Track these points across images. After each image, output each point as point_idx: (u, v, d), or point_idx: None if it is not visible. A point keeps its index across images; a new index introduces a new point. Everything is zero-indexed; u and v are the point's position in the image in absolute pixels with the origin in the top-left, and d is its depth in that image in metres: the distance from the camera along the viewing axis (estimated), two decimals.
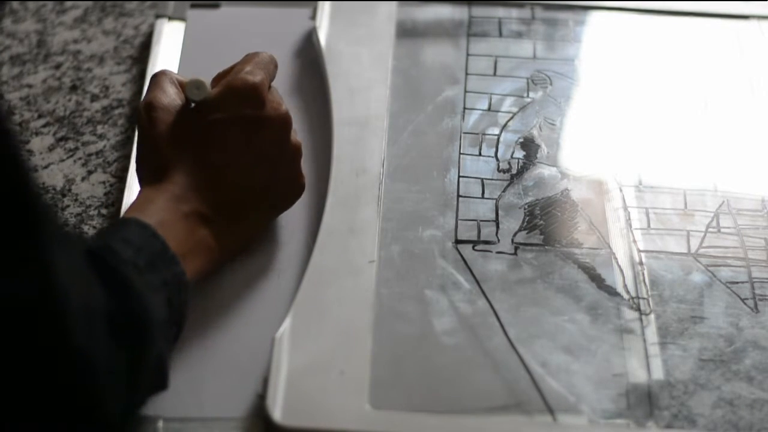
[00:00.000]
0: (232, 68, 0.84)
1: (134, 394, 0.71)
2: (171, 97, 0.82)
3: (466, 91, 0.96)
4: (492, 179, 0.90)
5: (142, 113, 0.81)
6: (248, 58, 0.83)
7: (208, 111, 0.81)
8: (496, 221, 0.87)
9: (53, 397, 0.64)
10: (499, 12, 1.03)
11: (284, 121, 0.82)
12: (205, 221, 0.79)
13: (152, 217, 0.76)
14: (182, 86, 0.83)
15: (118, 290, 0.69)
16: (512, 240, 0.86)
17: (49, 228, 0.63)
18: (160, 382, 0.74)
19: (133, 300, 0.70)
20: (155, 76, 0.83)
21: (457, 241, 0.85)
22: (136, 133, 0.83)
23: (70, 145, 0.94)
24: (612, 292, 0.83)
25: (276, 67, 0.85)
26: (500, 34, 1.02)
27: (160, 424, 0.75)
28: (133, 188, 0.87)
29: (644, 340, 0.80)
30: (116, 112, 0.96)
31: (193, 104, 0.82)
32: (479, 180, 0.90)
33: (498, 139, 0.93)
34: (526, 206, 0.88)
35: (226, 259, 0.82)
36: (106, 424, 0.67)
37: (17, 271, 0.62)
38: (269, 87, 0.83)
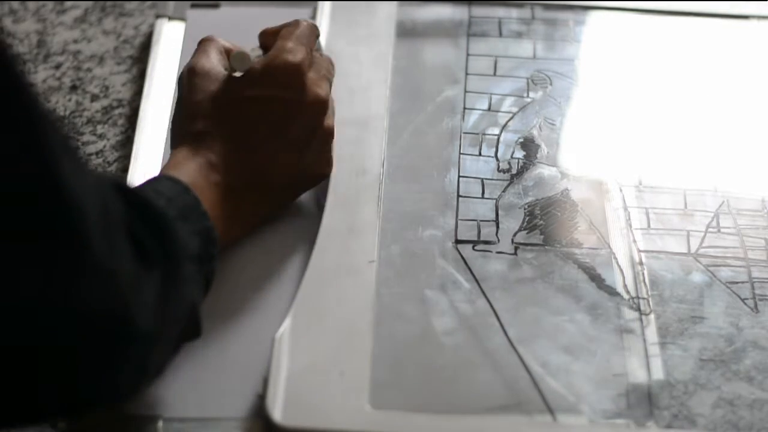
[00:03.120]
0: (279, 29, 0.84)
1: (169, 324, 0.69)
2: (214, 64, 0.83)
3: (466, 91, 0.96)
4: (492, 179, 0.90)
5: (184, 78, 0.82)
6: (290, 30, 0.83)
7: (247, 86, 0.81)
8: (496, 221, 0.87)
9: (71, 306, 0.63)
10: (499, 12, 1.03)
11: (321, 107, 0.83)
12: (231, 194, 0.80)
13: (185, 178, 0.77)
14: (228, 55, 0.84)
15: (148, 217, 0.69)
16: (512, 240, 0.86)
17: (52, 137, 0.62)
18: (193, 329, 0.73)
19: (164, 229, 0.70)
20: (202, 42, 0.84)
21: (457, 241, 0.85)
22: (175, 97, 0.84)
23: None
24: (612, 292, 0.83)
25: (318, 35, 0.85)
26: (500, 34, 1.02)
27: (160, 424, 0.75)
28: None
29: (644, 340, 0.80)
30: (116, 112, 0.96)
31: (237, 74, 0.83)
32: (479, 180, 0.90)
33: (498, 139, 0.93)
34: (526, 206, 0.88)
35: (244, 235, 0.83)
36: (137, 336, 0.65)
37: (22, 171, 0.61)
38: (311, 61, 0.83)
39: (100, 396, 0.67)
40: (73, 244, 0.62)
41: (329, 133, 0.84)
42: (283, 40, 0.83)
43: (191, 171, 0.78)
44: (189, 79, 0.82)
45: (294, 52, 0.81)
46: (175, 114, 0.84)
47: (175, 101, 0.84)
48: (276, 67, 0.81)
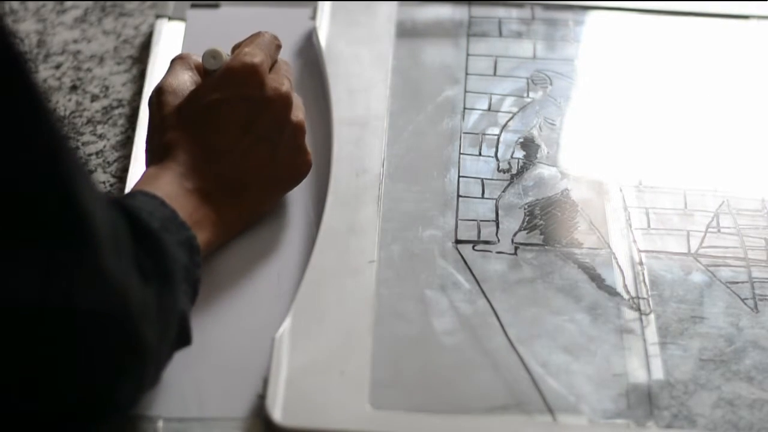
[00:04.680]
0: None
1: (165, 339, 0.71)
2: (182, 80, 0.84)
3: (466, 91, 0.96)
4: (492, 179, 0.90)
5: (153, 97, 0.83)
6: (251, 39, 0.85)
7: (209, 92, 0.82)
8: (496, 221, 0.87)
9: (81, 325, 0.64)
10: (499, 12, 1.03)
11: (284, 102, 0.83)
12: (208, 199, 0.80)
13: (159, 191, 0.77)
14: (200, 67, 0.85)
15: (142, 235, 0.70)
16: (512, 240, 0.86)
17: (68, 155, 0.64)
18: (183, 337, 0.74)
19: (156, 245, 0.71)
20: (173, 61, 0.86)
21: (457, 241, 0.86)
22: (148, 119, 0.85)
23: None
24: (612, 292, 0.83)
25: (279, 47, 0.86)
26: (500, 34, 1.02)
27: (160, 424, 0.75)
28: None
29: (644, 340, 0.80)
30: (116, 112, 0.96)
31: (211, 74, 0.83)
32: (479, 180, 0.90)
33: (498, 139, 0.93)
34: (526, 206, 0.88)
35: (228, 238, 0.83)
36: (141, 353, 0.67)
37: (40, 195, 0.62)
38: (272, 66, 0.84)
39: (99, 411, 0.68)
40: (88, 261, 0.64)
41: (299, 128, 0.84)
42: (243, 47, 0.84)
43: (164, 184, 0.78)
44: (157, 98, 0.83)
45: (252, 54, 0.82)
46: (147, 133, 0.84)
47: (148, 122, 0.84)
48: (234, 68, 0.82)
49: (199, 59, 0.85)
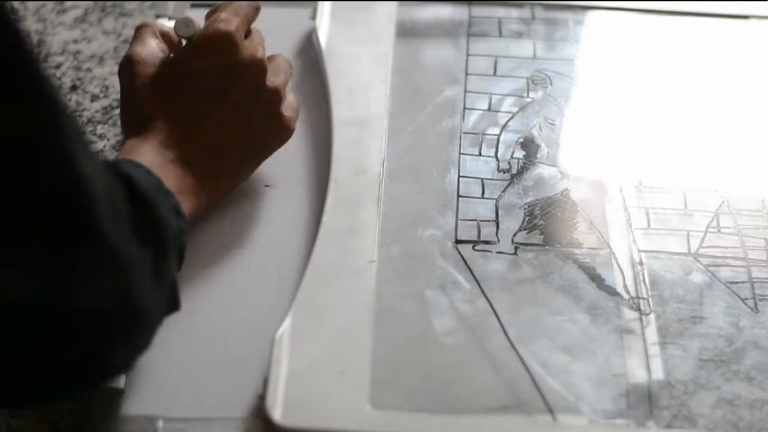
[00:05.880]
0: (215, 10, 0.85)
1: (160, 302, 0.71)
2: (151, 48, 0.84)
3: (466, 91, 0.96)
4: (492, 179, 0.90)
5: (124, 68, 0.83)
6: (227, 4, 0.84)
7: (183, 61, 0.82)
8: (496, 221, 0.87)
9: (82, 288, 0.64)
10: (499, 12, 1.03)
11: (259, 67, 0.83)
12: (189, 168, 0.81)
13: (143, 160, 0.77)
14: (166, 35, 0.85)
15: (137, 199, 0.71)
16: (512, 240, 0.86)
17: (67, 122, 0.64)
18: (173, 303, 0.74)
19: (151, 209, 0.71)
20: (138, 29, 0.85)
21: (457, 241, 0.86)
22: (120, 90, 0.84)
23: None
24: (612, 292, 0.83)
25: (257, 9, 0.86)
26: (500, 34, 1.02)
27: (160, 424, 0.75)
28: None
29: (644, 340, 0.80)
30: (116, 112, 0.96)
31: (183, 41, 0.83)
32: (479, 180, 0.90)
33: (498, 139, 0.93)
34: (526, 206, 0.88)
35: (209, 205, 0.83)
36: (140, 316, 0.67)
37: (39, 158, 0.62)
38: (248, 32, 0.84)
39: (96, 374, 0.68)
40: (86, 229, 0.64)
41: (274, 93, 0.84)
42: (218, 13, 0.84)
43: (146, 153, 0.79)
44: (128, 68, 0.83)
45: (226, 21, 0.82)
46: (120, 105, 0.85)
47: (120, 93, 0.85)
48: (208, 36, 0.82)
49: (165, 27, 0.85)
